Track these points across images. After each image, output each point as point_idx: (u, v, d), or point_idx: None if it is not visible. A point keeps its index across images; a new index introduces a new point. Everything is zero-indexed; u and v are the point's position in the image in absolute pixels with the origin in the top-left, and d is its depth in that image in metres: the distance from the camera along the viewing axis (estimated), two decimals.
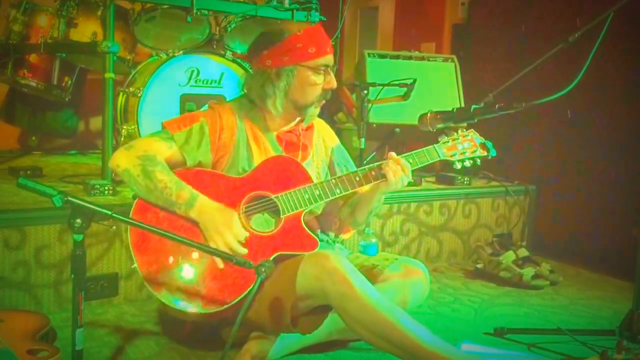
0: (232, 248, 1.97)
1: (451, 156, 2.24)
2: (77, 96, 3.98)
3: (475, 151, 2.26)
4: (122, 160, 2.03)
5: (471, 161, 2.26)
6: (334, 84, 2.17)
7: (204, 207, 1.99)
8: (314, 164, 2.28)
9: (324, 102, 2.21)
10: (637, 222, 3.22)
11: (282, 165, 2.14)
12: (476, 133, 2.31)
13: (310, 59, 2.11)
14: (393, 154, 2.16)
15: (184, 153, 2.07)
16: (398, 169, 2.12)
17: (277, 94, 2.13)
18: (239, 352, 2.03)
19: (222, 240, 1.97)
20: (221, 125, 2.13)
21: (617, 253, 3.36)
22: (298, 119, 2.24)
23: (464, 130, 2.29)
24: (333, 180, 2.13)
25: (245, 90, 2.23)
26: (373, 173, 2.14)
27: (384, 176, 2.13)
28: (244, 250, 1.99)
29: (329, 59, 2.15)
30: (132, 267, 1.97)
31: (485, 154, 2.27)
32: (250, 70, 2.33)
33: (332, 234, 2.34)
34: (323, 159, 2.34)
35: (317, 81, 2.13)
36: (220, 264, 1.98)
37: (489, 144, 2.28)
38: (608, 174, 3.50)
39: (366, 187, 2.19)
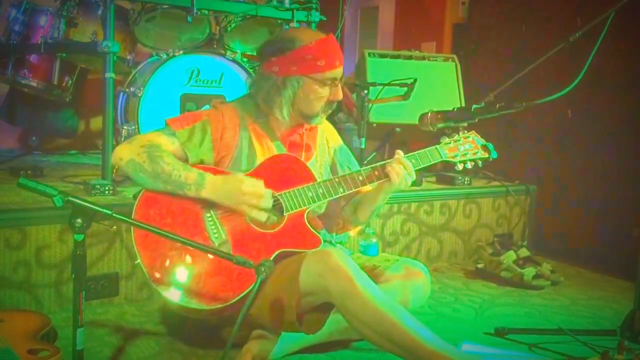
0: (258, 207, 1.99)
1: (453, 157, 2.24)
2: (78, 96, 3.98)
3: (476, 153, 2.26)
4: (124, 152, 2.02)
5: (472, 162, 2.26)
6: (339, 96, 2.16)
7: (215, 185, 1.99)
8: (318, 164, 2.28)
9: (330, 111, 2.21)
10: (637, 222, 3.22)
11: (285, 164, 2.14)
12: (477, 135, 2.30)
13: (318, 72, 2.09)
14: (400, 153, 2.17)
15: (186, 150, 2.07)
16: (401, 170, 2.13)
17: (283, 102, 2.12)
18: (240, 352, 2.02)
19: (246, 206, 1.98)
20: (224, 124, 2.13)
21: (618, 253, 3.36)
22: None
23: (465, 132, 2.29)
24: (336, 179, 2.14)
25: (252, 91, 2.23)
26: (376, 173, 2.15)
27: (387, 176, 2.13)
28: (269, 203, 2.01)
29: (337, 72, 2.13)
30: (135, 262, 1.95)
31: (487, 155, 2.27)
32: (253, 72, 2.32)
33: (336, 235, 2.34)
34: (327, 159, 2.33)
35: (323, 93, 2.13)
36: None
37: (490, 146, 2.28)
38: (608, 174, 3.49)
39: (368, 187, 2.19)
